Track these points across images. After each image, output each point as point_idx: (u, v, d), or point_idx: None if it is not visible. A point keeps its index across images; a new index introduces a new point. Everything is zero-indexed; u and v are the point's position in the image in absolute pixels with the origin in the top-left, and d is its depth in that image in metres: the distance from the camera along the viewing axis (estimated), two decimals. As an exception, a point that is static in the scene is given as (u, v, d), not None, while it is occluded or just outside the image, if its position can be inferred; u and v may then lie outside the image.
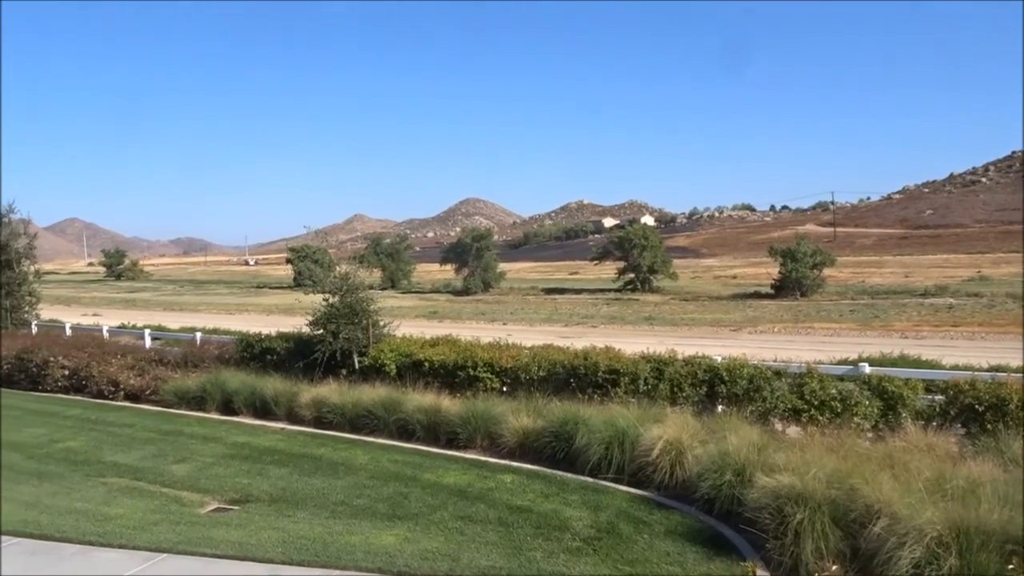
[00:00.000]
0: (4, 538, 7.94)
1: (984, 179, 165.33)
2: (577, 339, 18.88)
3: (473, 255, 61.00)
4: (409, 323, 19.20)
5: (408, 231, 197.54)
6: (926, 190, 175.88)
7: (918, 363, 13.12)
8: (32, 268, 22.03)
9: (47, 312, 25.90)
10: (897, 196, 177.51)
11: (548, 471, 9.69)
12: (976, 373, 10.00)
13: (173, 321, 31.42)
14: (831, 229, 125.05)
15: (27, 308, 21.80)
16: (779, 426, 10.21)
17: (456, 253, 63.82)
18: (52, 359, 16.75)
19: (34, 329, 21.41)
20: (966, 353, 16.61)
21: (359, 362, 13.76)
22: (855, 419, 9.61)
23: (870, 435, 9.46)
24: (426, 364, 13.03)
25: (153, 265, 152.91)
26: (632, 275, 55.89)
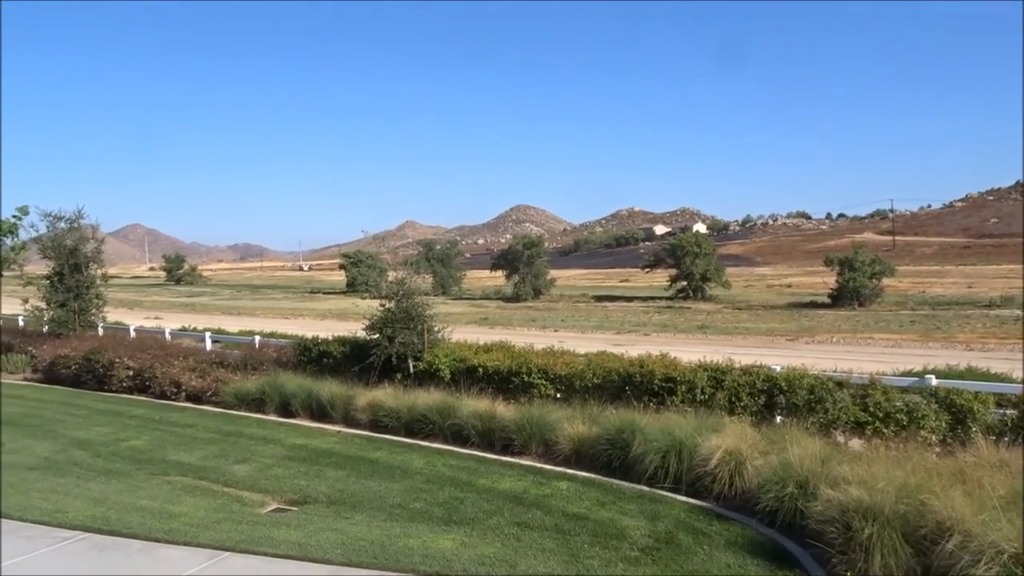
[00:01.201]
0: (73, 532, 8.21)
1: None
2: (630, 347, 18.77)
3: (524, 262, 60.94)
4: (460, 329, 19.29)
5: (459, 237, 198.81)
6: (991, 198, 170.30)
7: (987, 376, 12.63)
8: (99, 272, 22.68)
9: (112, 315, 26.69)
10: (959, 204, 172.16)
11: (604, 479, 9.63)
12: (1051, 387, 9.60)
13: (231, 325, 32.08)
14: (890, 238, 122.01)
15: (94, 311, 22.45)
16: (841, 438, 9.95)
17: (507, 260, 63.84)
18: (117, 360, 17.27)
19: (100, 331, 22.10)
20: (1037, 366, 15.93)
21: (414, 366, 13.86)
22: (922, 432, 9.31)
23: (937, 449, 9.15)
24: (480, 370, 13.05)
25: (211, 270, 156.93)
26: (684, 283, 55.17)
